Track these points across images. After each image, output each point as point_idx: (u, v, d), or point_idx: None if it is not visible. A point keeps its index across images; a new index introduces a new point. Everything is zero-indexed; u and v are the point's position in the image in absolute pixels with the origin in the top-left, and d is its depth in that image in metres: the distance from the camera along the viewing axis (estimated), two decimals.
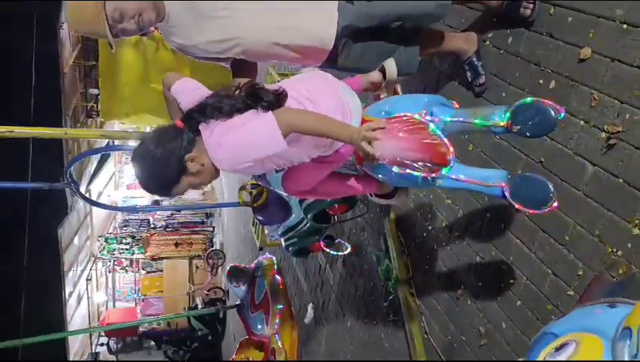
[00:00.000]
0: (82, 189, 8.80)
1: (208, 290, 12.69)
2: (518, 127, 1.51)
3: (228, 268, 4.02)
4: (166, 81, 1.63)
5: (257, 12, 1.78)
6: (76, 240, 10.83)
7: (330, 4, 1.81)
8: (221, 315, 12.18)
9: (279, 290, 3.67)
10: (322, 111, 1.51)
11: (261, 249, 5.04)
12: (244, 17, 1.77)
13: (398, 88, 1.85)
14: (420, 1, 1.82)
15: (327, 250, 3.25)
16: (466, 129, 1.62)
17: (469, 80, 2.22)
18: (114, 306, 14.43)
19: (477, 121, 1.57)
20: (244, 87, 1.48)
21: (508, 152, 2.09)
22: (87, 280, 12.50)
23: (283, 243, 3.19)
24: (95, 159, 11.42)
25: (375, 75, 1.79)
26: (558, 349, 0.96)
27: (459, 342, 2.44)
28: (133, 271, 14.77)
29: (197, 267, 14.18)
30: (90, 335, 12.43)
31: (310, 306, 4.68)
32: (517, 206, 1.54)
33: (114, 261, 13.99)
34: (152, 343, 14.30)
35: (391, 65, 1.77)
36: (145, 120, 6.87)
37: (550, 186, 1.50)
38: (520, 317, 2.03)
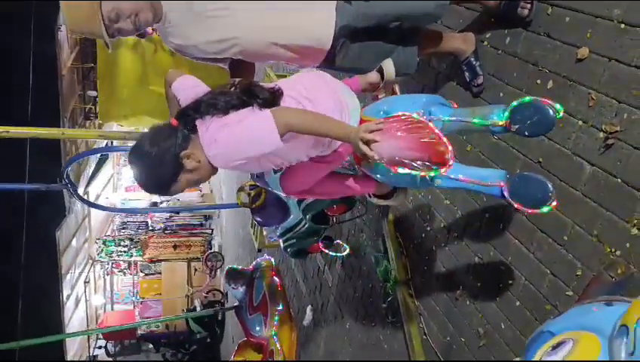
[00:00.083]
0: (80, 191, 8.79)
1: (207, 293, 12.67)
2: (517, 127, 1.51)
3: (226, 269, 4.01)
4: (167, 78, 1.64)
5: (255, 12, 1.78)
6: (74, 242, 10.81)
7: (327, 3, 1.81)
8: (219, 317, 12.15)
9: (278, 292, 3.66)
10: (321, 111, 1.51)
11: (260, 250, 5.03)
12: (242, 17, 1.77)
13: (397, 88, 1.85)
14: (418, 1, 1.82)
15: (326, 251, 3.24)
16: (465, 128, 1.62)
17: (467, 80, 2.22)
18: (112, 309, 14.40)
19: (475, 121, 1.57)
20: (239, 85, 1.49)
21: (506, 152, 2.09)
22: (85, 282, 12.47)
23: (281, 245, 3.18)
24: (93, 161, 11.41)
25: (373, 76, 1.79)
26: (554, 347, 0.96)
27: (458, 342, 2.44)
28: (131, 274, 14.75)
29: (195, 269, 14.16)
30: (88, 337, 12.40)
31: (309, 308, 4.67)
32: (516, 205, 1.54)
33: (112, 263, 13.96)
34: (151, 346, 14.27)
35: (389, 66, 1.77)
36: (143, 122, 6.86)
37: (549, 185, 1.50)
38: (519, 318, 2.03)
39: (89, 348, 12.96)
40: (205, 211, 14.83)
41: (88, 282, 12.77)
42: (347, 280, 3.77)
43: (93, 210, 11.62)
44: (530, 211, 1.54)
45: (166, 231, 14.37)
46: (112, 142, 9.74)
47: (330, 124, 1.48)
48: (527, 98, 1.51)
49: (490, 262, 2.21)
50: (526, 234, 2.00)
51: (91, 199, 10.18)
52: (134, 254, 13.56)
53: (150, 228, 14.44)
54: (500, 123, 1.53)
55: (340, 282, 3.94)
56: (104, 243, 13.28)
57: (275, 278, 3.67)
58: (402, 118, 1.52)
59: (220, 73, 2.46)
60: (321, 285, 4.37)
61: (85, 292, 12.45)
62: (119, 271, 14.53)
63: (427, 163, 1.46)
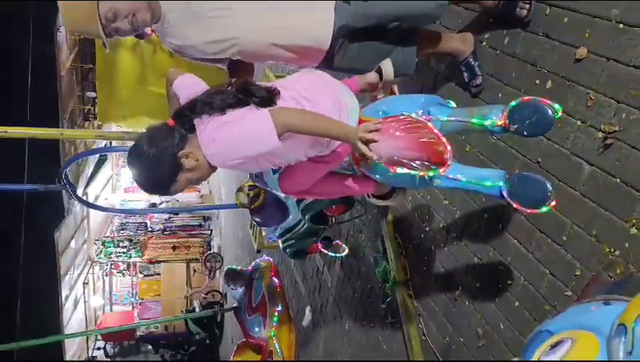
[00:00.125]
0: (79, 192, 8.78)
1: (206, 294, 12.65)
2: (516, 126, 1.51)
3: (225, 270, 4.01)
4: (169, 77, 1.64)
5: (254, 12, 1.77)
6: (73, 243, 10.79)
7: (326, 4, 1.81)
8: (219, 318, 12.14)
9: (277, 293, 3.66)
10: (319, 111, 1.51)
11: (259, 251, 5.03)
12: (241, 17, 1.77)
13: (395, 89, 1.85)
14: (417, 1, 1.82)
15: (325, 252, 3.24)
16: (464, 128, 1.62)
17: (466, 80, 2.22)
18: (111, 310, 14.38)
19: (474, 121, 1.57)
20: (235, 83, 1.49)
21: (505, 153, 2.09)
22: (84, 283, 12.46)
23: (281, 245, 3.18)
24: (92, 162, 11.40)
25: (372, 76, 1.79)
26: (553, 347, 0.96)
27: (457, 343, 2.43)
28: (130, 275, 14.73)
29: (194, 270, 14.14)
30: (87, 339, 12.38)
31: (308, 309, 4.67)
32: (515, 205, 1.54)
33: (111, 264, 13.95)
34: (150, 347, 14.25)
35: (387, 66, 1.77)
36: (143, 123, 6.86)
37: (548, 185, 1.50)
38: (518, 318, 2.03)
39: (88, 349, 12.94)
40: (204, 212, 14.82)
41: (87, 283, 12.75)
42: (346, 281, 3.77)
43: (92, 211, 11.60)
44: (529, 211, 1.54)
45: (165, 232, 14.36)
46: (110, 143, 9.73)
47: (328, 124, 1.48)
48: (526, 98, 1.51)
49: (489, 262, 2.21)
50: (525, 235, 2.00)
51: (90, 200, 10.17)
52: (133, 255, 13.54)
53: (149, 229, 14.43)
54: (499, 123, 1.53)
55: (339, 283, 3.94)
56: (103, 244, 13.27)
57: (274, 279, 3.67)
58: (401, 118, 1.52)
59: (218, 75, 2.46)
60: (320, 286, 4.37)
61: (84, 293, 12.44)
62: (118, 272, 14.51)
63: (426, 163, 1.46)
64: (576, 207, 1.75)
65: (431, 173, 1.49)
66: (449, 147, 1.46)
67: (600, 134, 1.67)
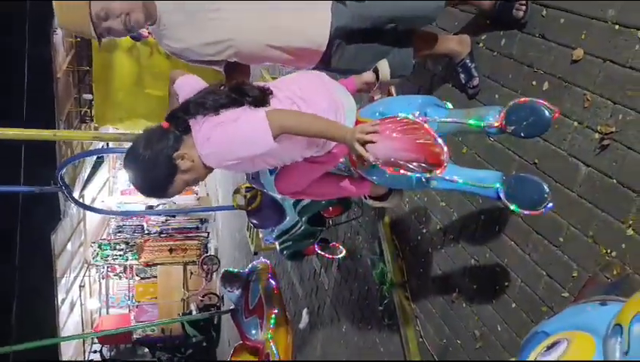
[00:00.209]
0: (75, 195, 8.76)
1: (203, 296, 12.62)
2: (512, 128, 1.51)
3: (222, 272, 3.99)
4: (171, 77, 1.64)
5: (250, 14, 1.77)
6: (69, 246, 10.75)
7: (323, 5, 1.80)
8: (215, 321, 12.10)
9: (274, 295, 3.64)
10: (315, 111, 1.50)
11: (256, 253, 5.02)
12: (237, 19, 1.76)
13: (392, 90, 1.85)
14: (414, 1, 1.82)
15: (322, 253, 3.23)
16: (460, 130, 1.62)
17: (463, 82, 2.22)
18: (107, 313, 14.32)
19: (471, 122, 1.57)
20: (228, 84, 1.49)
21: (502, 154, 2.09)
22: (80, 286, 12.40)
23: (277, 247, 3.17)
24: (89, 165, 11.38)
25: (369, 76, 1.79)
26: (549, 348, 0.96)
27: (454, 345, 2.43)
28: (127, 278, 14.67)
29: (191, 273, 14.10)
30: (83, 342, 12.32)
31: (305, 311, 4.66)
32: (512, 207, 1.54)
33: (107, 267, 13.89)
34: (146, 350, 14.19)
35: (384, 67, 1.77)
36: (139, 125, 6.85)
37: (545, 187, 1.50)
38: (515, 320, 2.03)
39: (84, 352, 12.87)
40: (201, 214, 14.80)
41: (83, 286, 12.70)
42: (343, 283, 3.76)
43: (88, 214, 11.57)
44: (526, 213, 1.54)
45: (162, 235, 14.31)
46: (107, 145, 9.70)
47: (325, 125, 1.48)
48: (523, 99, 1.51)
49: (486, 264, 2.20)
50: (522, 236, 2.00)
51: (87, 203, 10.14)
52: (130, 258, 13.49)
53: (146, 231, 14.39)
54: (496, 124, 1.53)
55: (336, 285, 3.94)
56: (99, 246, 13.21)
57: (271, 281, 3.65)
58: (398, 119, 1.52)
59: (215, 77, 2.46)
60: (318, 288, 4.36)
61: (80, 296, 12.38)
62: (115, 275, 14.45)
63: (423, 164, 1.45)
64: (573, 208, 1.75)
65: (427, 175, 1.48)
66: (445, 148, 1.46)
67: (597, 135, 1.67)
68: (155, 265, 13.93)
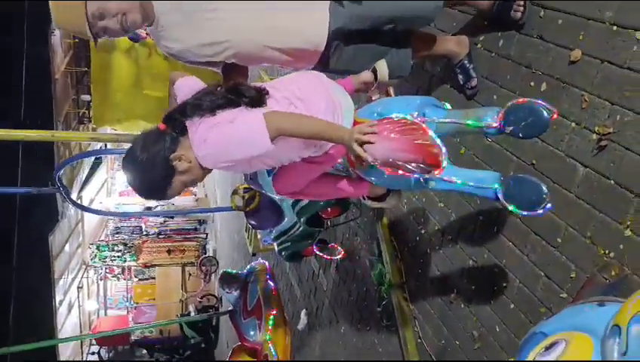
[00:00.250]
0: (74, 196, 8.74)
1: (201, 297, 12.60)
2: (511, 128, 1.51)
3: (220, 273, 3.99)
4: (171, 78, 1.64)
5: (248, 14, 1.77)
6: (67, 247, 10.73)
7: (321, 5, 1.80)
8: (214, 322, 12.08)
9: (272, 296, 3.64)
10: (313, 111, 1.50)
11: (254, 254, 5.02)
12: (235, 19, 1.76)
13: (391, 90, 1.85)
14: (412, 1, 1.82)
15: (320, 254, 3.23)
16: (459, 130, 1.62)
17: (461, 83, 2.22)
18: (105, 314, 14.29)
19: (469, 122, 1.57)
20: (224, 85, 1.49)
21: (500, 155, 2.09)
22: (78, 288, 12.38)
23: (276, 248, 3.17)
24: (87, 166, 11.36)
25: (367, 75, 1.78)
26: (547, 348, 0.96)
27: (452, 346, 2.43)
28: (125, 279, 14.64)
29: (190, 274, 14.09)
30: (81, 343, 12.28)
31: (303, 312, 4.65)
32: (510, 208, 1.54)
33: (106, 268, 13.87)
34: (144, 351, 14.15)
35: (382, 67, 1.77)
36: (138, 126, 6.86)
37: (543, 187, 1.50)
38: (513, 321, 2.03)
39: (82, 353, 12.83)
40: (200, 215, 14.79)
41: (81, 287, 12.67)
42: (342, 284, 3.76)
43: (86, 215, 11.56)
44: (524, 213, 1.54)
45: (160, 236, 14.30)
46: (105, 146, 9.70)
47: (323, 126, 1.48)
48: (521, 100, 1.51)
49: (485, 264, 2.20)
50: (520, 237, 2.00)
51: (85, 204, 10.12)
52: (128, 259, 13.48)
53: (144, 232, 14.37)
54: (494, 125, 1.53)
55: (334, 286, 3.93)
56: (98, 248, 13.20)
57: (270, 282, 3.65)
58: (396, 119, 1.52)
59: (214, 77, 2.46)
60: (316, 289, 4.36)
61: (78, 297, 12.35)
62: (113, 276, 14.43)
63: (421, 165, 1.45)
64: (571, 209, 1.75)
65: (426, 176, 1.48)
66: (444, 149, 1.46)
67: (594, 136, 1.67)
68: (154, 266, 13.92)
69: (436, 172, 1.47)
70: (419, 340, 2.70)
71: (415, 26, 2.00)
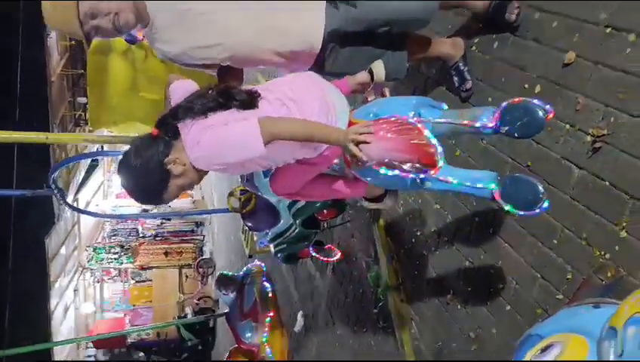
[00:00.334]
0: (70, 198, 8.71)
1: (198, 299, 12.57)
2: (507, 128, 1.50)
3: (217, 275, 3.98)
4: (169, 80, 1.65)
5: (243, 16, 1.76)
6: (63, 249, 10.69)
7: (317, 5, 1.80)
8: (211, 324, 12.06)
9: (268, 298, 3.64)
10: (306, 113, 1.50)
11: (250, 256, 5.01)
12: (230, 22, 1.76)
13: (387, 92, 1.85)
14: (407, 5, 1.82)
15: (317, 256, 3.23)
16: (455, 130, 1.62)
17: (456, 85, 2.22)
18: (102, 317, 14.24)
19: (465, 122, 1.57)
20: (215, 87, 1.49)
21: (495, 157, 2.10)
22: (74, 290, 12.33)
23: (272, 250, 3.17)
24: (83, 168, 11.32)
25: (363, 76, 1.78)
26: (543, 350, 0.96)
27: (449, 347, 2.43)
28: (122, 281, 14.60)
29: (187, 276, 14.05)
30: (78, 346, 12.23)
31: (300, 314, 4.65)
32: (507, 208, 1.54)
33: (102, 271, 13.82)
34: (141, 354, 14.10)
35: (379, 67, 1.77)
36: (134, 128, 6.83)
37: (540, 187, 1.49)
38: (509, 322, 2.03)
39: (78, 356, 12.78)
40: (197, 217, 14.76)
41: (78, 290, 12.62)
42: (338, 286, 3.76)
43: (83, 217, 11.51)
44: (520, 213, 1.54)
45: (157, 238, 14.27)
46: (102, 148, 9.67)
47: (317, 129, 1.48)
48: (517, 99, 1.51)
49: (481, 266, 2.20)
50: (516, 238, 2.00)
51: (81, 206, 10.08)
52: (125, 261, 13.44)
53: (141, 234, 14.33)
54: (490, 125, 1.52)
55: (331, 288, 3.93)
56: (94, 250, 13.15)
57: (266, 284, 3.65)
58: (392, 119, 1.52)
59: (210, 80, 2.45)
60: (313, 291, 4.35)
61: (75, 300, 12.31)
62: (109, 279, 14.38)
63: (417, 165, 1.45)
64: (567, 211, 1.76)
65: (422, 176, 1.48)
66: (440, 149, 1.46)
67: (589, 138, 1.67)
68: (151, 268, 13.88)
69: (432, 172, 1.47)
70: (415, 342, 2.70)
71: (411, 28, 2.00)
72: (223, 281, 3.74)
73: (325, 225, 3.39)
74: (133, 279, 14.57)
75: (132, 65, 6.93)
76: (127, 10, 1.67)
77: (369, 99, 1.76)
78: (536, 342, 1.02)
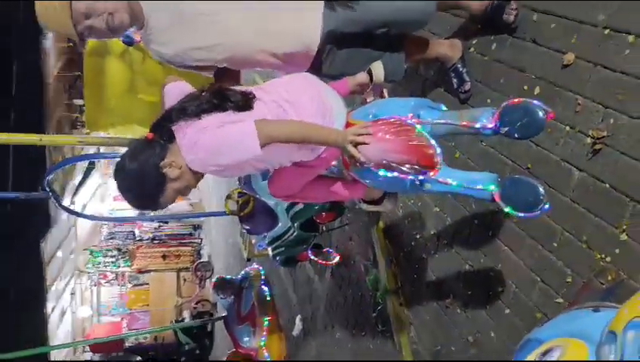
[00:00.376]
0: (67, 201, 8.68)
1: (196, 303, 12.51)
2: (506, 129, 1.49)
3: (215, 279, 3.97)
4: (167, 82, 1.63)
5: (240, 17, 1.75)
6: (60, 253, 10.65)
7: (314, 8, 1.79)
8: (209, 328, 12.01)
9: (267, 302, 3.63)
10: (302, 114, 1.49)
11: (249, 260, 4.99)
12: (227, 23, 1.74)
13: (385, 93, 1.84)
14: (405, 6, 1.81)
15: (315, 259, 3.21)
16: (454, 131, 1.60)
17: (455, 87, 2.21)
18: (99, 321, 14.18)
19: (465, 123, 1.55)
20: (209, 88, 1.47)
21: (494, 159, 2.09)
22: (71, 294, 12.28)
23: (270, 253, 3.15)
24: (80, 171, 11.28)
25: (362, 77, 1.77)
26: (543, 355, 0.94)
27: (448, 351, 2.41)
28: (119, 285, 14.54)
29: (184, 279, 14.00)
30: (74, 351, 12.17)
31: (298, 318, 4.63)
32: (507, 209, 1.52)
33: (99, 274, 13.77)
34: (139, 358, 14.03)
35: (378, 68, 1.76)
36: (132, 131, 6.81)
37: (540, 189, 1.48)
38: (509, 326, 2.01)
39: (75, 361, 12.72)
40: (194, 220, 14.72)
41: (74, 294, 12.57)
42: (337, 290, 3.74)
43: (79, 221, 11.46)
44: (521, 215, 1.52)
45: (155, 241, 14.22)
46: (99, 150, 9.65)
47: (314, 131, 1.46)
48: (517, 100, 1.50)
49: (480, 269, 2.19)
50: (516, 241, 1.99)
51: (78, 209, 10.03)
52: (122, 265, 13.39)
53: (138, 238, 14.29)
54: (490, 125, 1.51)
55: (329, 291, 3.91)
56: (91, 253, 13.11)
57: (264, 288, 3.64)
58: (391, 121, 1.51)
59: (207, 81, 2.44)
60: (311, 294, 4.33)
61: (71, 304, 12.25)
62: (106, 282, 14.32)
63: (415, 166, 1.44)
64: (567, 213, 1.75)
65: (421, 177, 1.47)
66: (439, 150, 1.44)
67: (589, 140, 1.66)
68: (148, 271, 13.83)
69: (431, 173, 1.46)
70: (414, 345, 2.69)
71: (409, 29, 1.99)
72: (221, 285, 3.73)
73: (323, 228, 3.37)
74: (130, 282, 14.51)
75: (130, 67, 6.91)
76: (122, 9, 1.66)
77: (368, 100, 1.75)
78: (536, 347, 1.00)
